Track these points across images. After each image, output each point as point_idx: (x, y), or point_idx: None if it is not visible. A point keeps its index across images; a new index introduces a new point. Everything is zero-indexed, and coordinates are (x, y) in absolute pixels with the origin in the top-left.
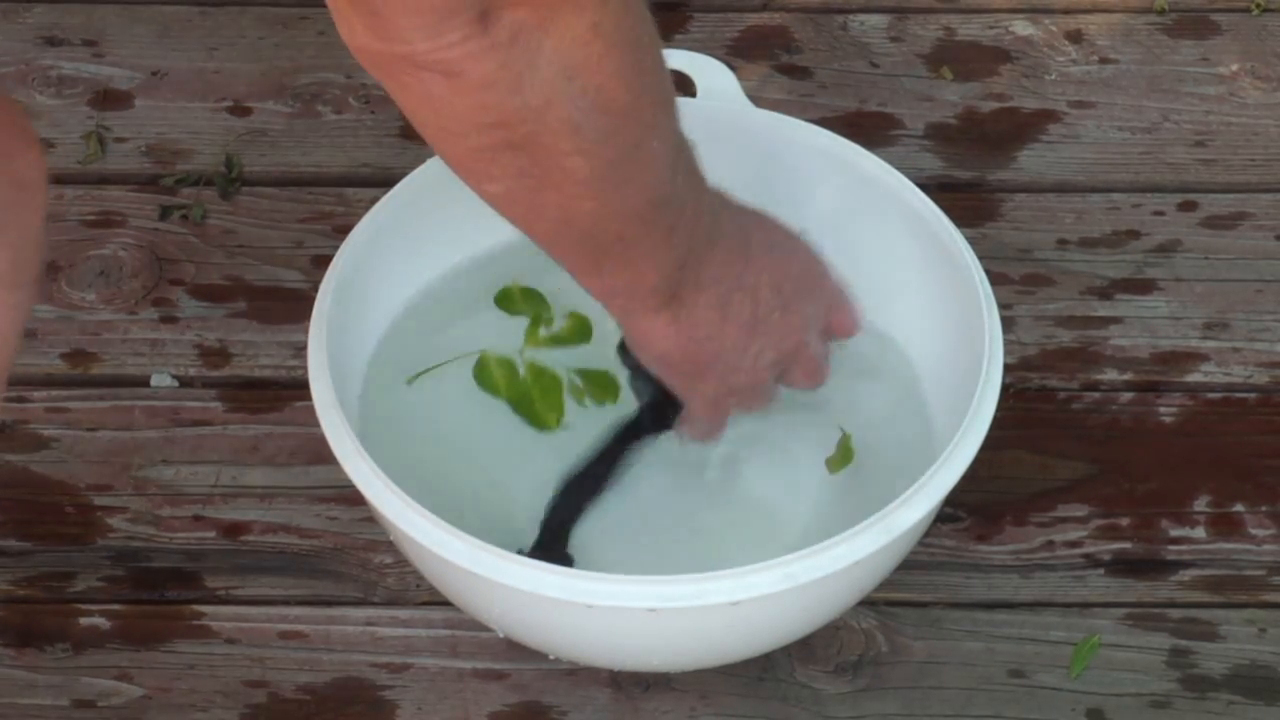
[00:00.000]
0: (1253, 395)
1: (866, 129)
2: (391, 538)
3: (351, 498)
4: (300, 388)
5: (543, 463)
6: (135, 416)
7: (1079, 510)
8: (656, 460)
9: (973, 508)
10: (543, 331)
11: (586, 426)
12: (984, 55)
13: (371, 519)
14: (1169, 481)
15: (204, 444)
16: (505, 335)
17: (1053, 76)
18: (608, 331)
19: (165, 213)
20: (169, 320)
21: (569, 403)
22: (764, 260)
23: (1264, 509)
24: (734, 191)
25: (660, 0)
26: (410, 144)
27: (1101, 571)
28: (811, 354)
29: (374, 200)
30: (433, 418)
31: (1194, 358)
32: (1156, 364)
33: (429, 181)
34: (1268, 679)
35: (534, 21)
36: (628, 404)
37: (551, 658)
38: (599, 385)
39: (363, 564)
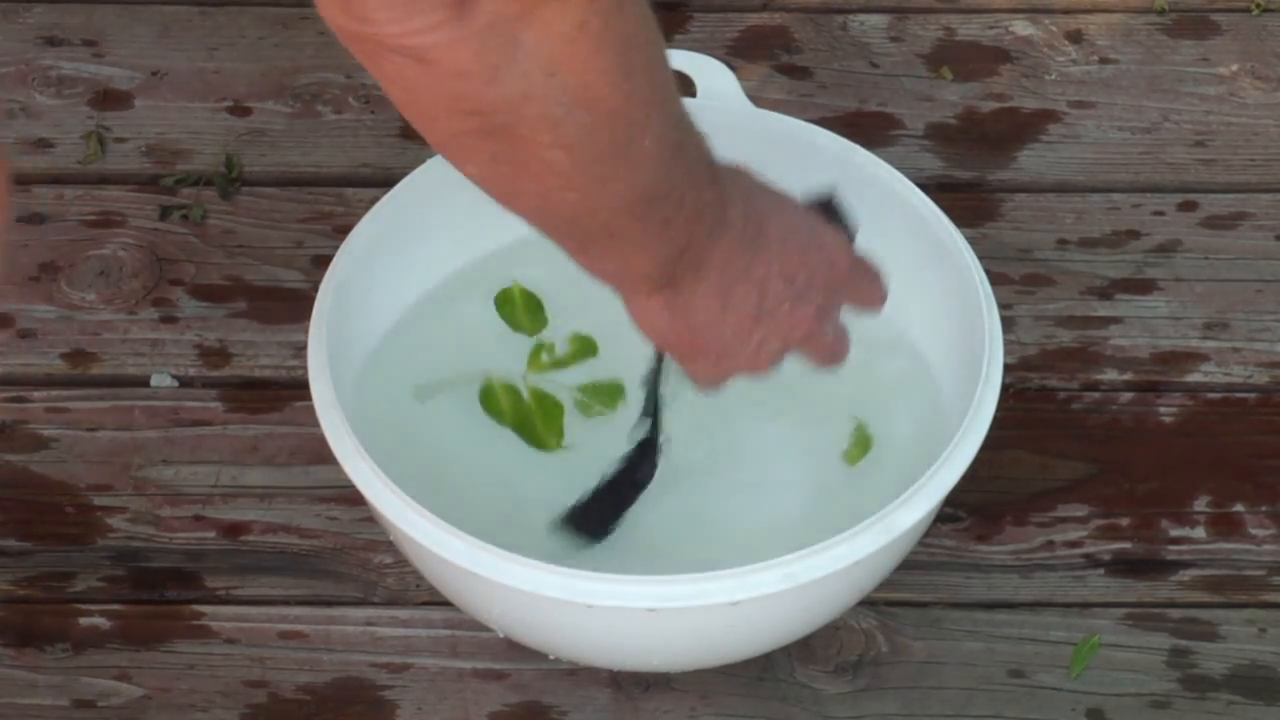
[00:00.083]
0: (1253, 395)
1: (866, 129)
2: (391, 538)
3: (351, 498)
4: (300, 388)
5: (546, 463)
6: (135, 416)
7: (1079, 510)
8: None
9: (973, 508)
10: (545, 357)
11: (589, 446)
12: (984, 55)
13: (371, 519)
14: (1169, 481)
15: (204, 444)
16: (506, 337)
17: (1053, 76)
18: (614, 346)
19: (165, 213)
20: (169, 320)
21: (577, 418)
22: (776, 250)
23: (1264, 509)
24: None
25: (660, 0)
26: (410, 144)
27: (1101, 571)
28: (825, 340)
29: (374, 200)
30: (434, 419)
31: (1194, 358)
32: (1156, 364)
33: (429, 182)
34: (1268, 679)
35: (515, 13)
36: (634, 406)
37: (551, 658)
38: (605, 394)
39: (363, 564)
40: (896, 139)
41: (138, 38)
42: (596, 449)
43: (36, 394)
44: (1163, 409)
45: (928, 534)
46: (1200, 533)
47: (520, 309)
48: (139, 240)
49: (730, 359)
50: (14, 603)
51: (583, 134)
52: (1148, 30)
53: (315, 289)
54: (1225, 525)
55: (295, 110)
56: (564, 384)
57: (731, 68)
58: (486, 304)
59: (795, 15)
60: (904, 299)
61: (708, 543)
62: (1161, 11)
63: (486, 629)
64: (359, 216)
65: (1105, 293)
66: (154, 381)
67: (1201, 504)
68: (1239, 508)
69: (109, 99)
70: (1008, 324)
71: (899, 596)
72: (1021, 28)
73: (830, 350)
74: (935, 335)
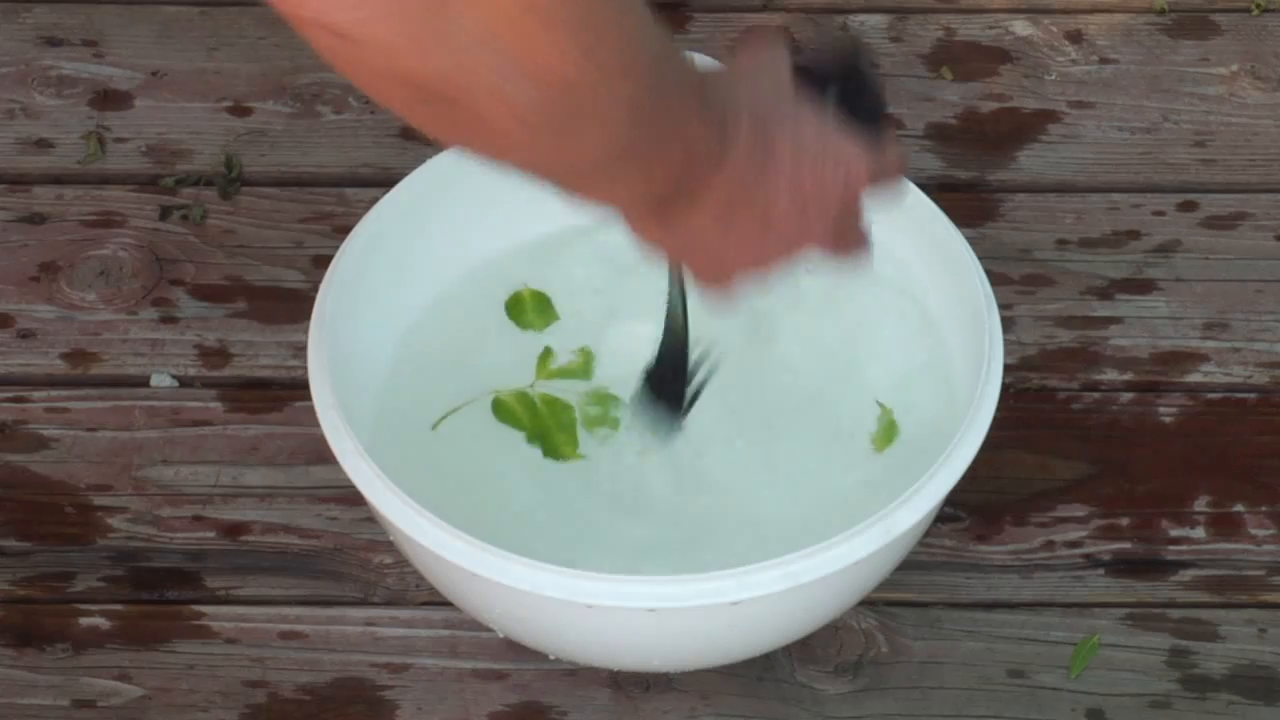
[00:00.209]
0: (1253, 395)
1: None
2: (391, 538)
3: (351, 498)
4: (300, 388)
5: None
6: (135, 416)
7: (1079, 510)
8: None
9: (973, 508)
10: (552, 364)
11: (600, 455)
12: (984, 55)
13: (371, 519)
14: (1169, 481)
15: (204, 444)
16: (507, 340)
17: (1053, 76)
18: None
19: (165, 213)
20: (169, 320)
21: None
22: (788, 167)
23: (1264, 509)
24: None
25: (660, 0)
26: (410, 144)
27: (1101, 571)
28: (842, 243)
29: (374, 200)
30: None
31: (1194, 358)
32: (1156, 364)
33: (430, 182)
34: (1268, 679)
35: None
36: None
37: (551, 658)
38: (610, 404)
39: (363, 564)
40: (896, 139)
41: (138, 38)
42: (602, 456)
43: (36, 394)
44: (1163, 409)
45: (928, 534)
46: (1200, 533)
47: (530, 310)
48: (139, 240)
49: (732, 274)
50: (14, 603)
51: (533, 105)
52: (1148, 30)
53: (315, 289)
54: (1225, 525)
55: (295, 110)
56: (569, 390)
57: None
58: (489, 303)
59: (795, 15)
60: (923, 286)
61: (737, 532)
62: (1161, 11)
63: (486, 629)
64: (359, 216)
65: (1105, 293)
66: (154, 381)
67: (1201, 504)
68: (1239, 508)
69: (109, 99)
70: (1008, 324)
71: (899, 596)
72: (1021, 28)
73: (849, 250)
74: (935, 334)
